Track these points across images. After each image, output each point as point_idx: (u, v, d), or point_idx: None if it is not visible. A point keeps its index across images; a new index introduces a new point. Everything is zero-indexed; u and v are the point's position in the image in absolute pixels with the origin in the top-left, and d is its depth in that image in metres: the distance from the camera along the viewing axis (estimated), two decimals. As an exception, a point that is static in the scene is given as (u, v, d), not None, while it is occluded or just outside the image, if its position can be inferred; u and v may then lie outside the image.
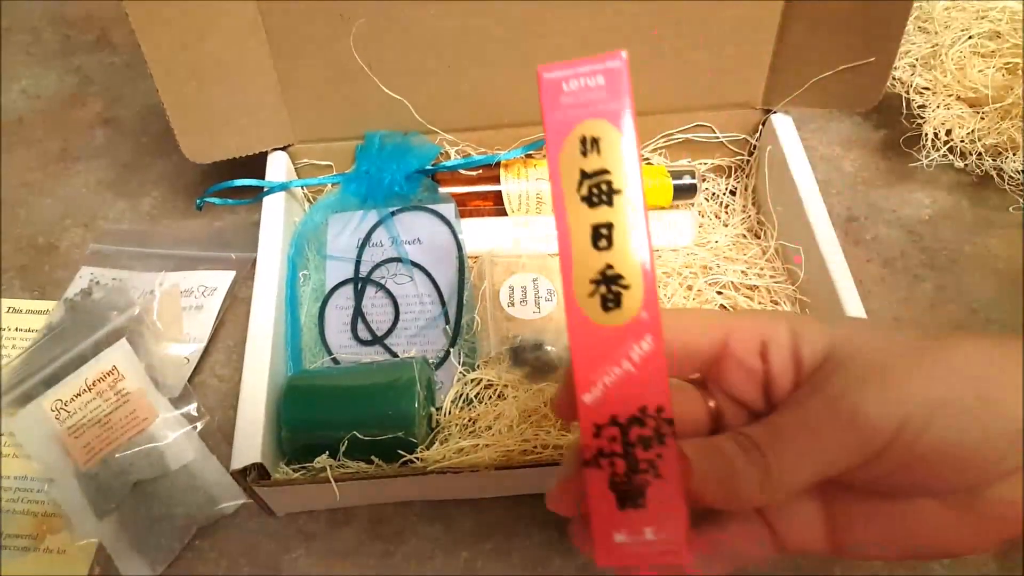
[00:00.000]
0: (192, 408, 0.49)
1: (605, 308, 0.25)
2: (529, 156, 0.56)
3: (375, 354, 0.51)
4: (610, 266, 0.25)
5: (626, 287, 0.25)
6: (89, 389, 0.48)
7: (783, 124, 0.55)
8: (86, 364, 0.49)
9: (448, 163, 0.56)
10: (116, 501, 0.45)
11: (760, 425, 0.27)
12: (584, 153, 0.25)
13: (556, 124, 0.25)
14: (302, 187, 0.58)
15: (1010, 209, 0.59)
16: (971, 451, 0.25)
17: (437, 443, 0.46)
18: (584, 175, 0.25)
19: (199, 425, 0.49)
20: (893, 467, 0.25)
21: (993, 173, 0.58)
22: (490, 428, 0.46)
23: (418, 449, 0.44)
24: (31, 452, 0.47)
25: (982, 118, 0.58)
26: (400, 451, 0.44)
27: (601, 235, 0.25)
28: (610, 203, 0.25)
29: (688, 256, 0.54)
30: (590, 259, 0.25)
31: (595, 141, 0.25)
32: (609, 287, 0.25)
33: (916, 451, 0.25)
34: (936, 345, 0.26)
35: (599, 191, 0.25)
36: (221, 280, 0.56)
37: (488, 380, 0.48)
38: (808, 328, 0.28)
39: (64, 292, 0.56)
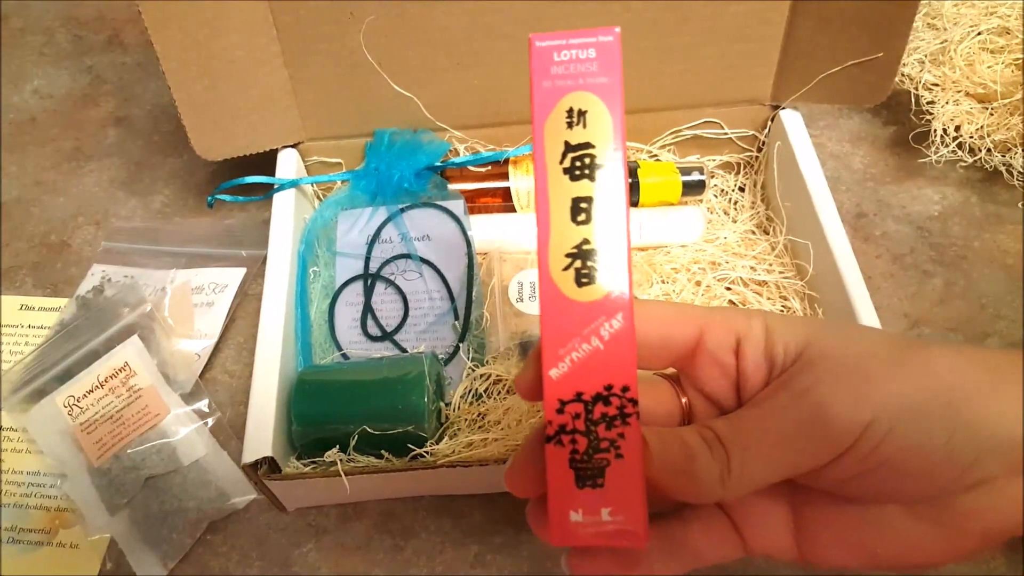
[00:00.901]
0: (203, 404, 0.50)
1: (579, 283, 0.25)
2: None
3: (384, 350, 0.51)
4: (587, 241, 0.25)
5: (601, 263, 0.25)
6: (101, 385, 0.48)
7: (792, 120, 0.55)
8: (98, 360, 0.49)
9: (457, 160, 0.56)
10: (128, 496, 0.46)
11: (725, 419, 0.27)
12: (570, 125, 0.25)
13: (544, 93, 0.25)
14: (312, 184, 0.58)
15: (1019, 205, 0.59)
16: (937, 458, 0.24)
17: (446, 438, 0.46)
18: (568, 147, 0.25)
19: (210, 421, 0.49)
20: (857, 470, 0.25)
21: (1002, 169, 0.58)
22: (499, 423, 0.46)
23: (427, 443, 0.44)
24: (44, 448, 0.48)
25: (991, 114, 0.58)
26: (410, 445, 0.44)
27: (581, 209, 0.25)
28: (592, 178, 0.25)
29: (697, 252, 0.54)
30: (568, 232, 0.25)
31: (582, 113, 0.25)
32: (584, 262, 0.25)
33: (881, 454, 0.24)
34: (909, 351, 0.26)
35: (582, 164, 0.25)
36: (232, 277, 0.57)
37: (497, 375, 0.48)
38: (782, 326, 0.27)
39: (76, 290, 0.57)
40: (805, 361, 0.26)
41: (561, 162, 0.25)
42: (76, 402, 0.48)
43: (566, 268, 0.25)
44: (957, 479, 0.25)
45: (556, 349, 0.25)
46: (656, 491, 0.26)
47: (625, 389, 0.25)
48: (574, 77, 0.25)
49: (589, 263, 0.25)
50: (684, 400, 0.30)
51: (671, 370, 0.31)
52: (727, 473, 0.25)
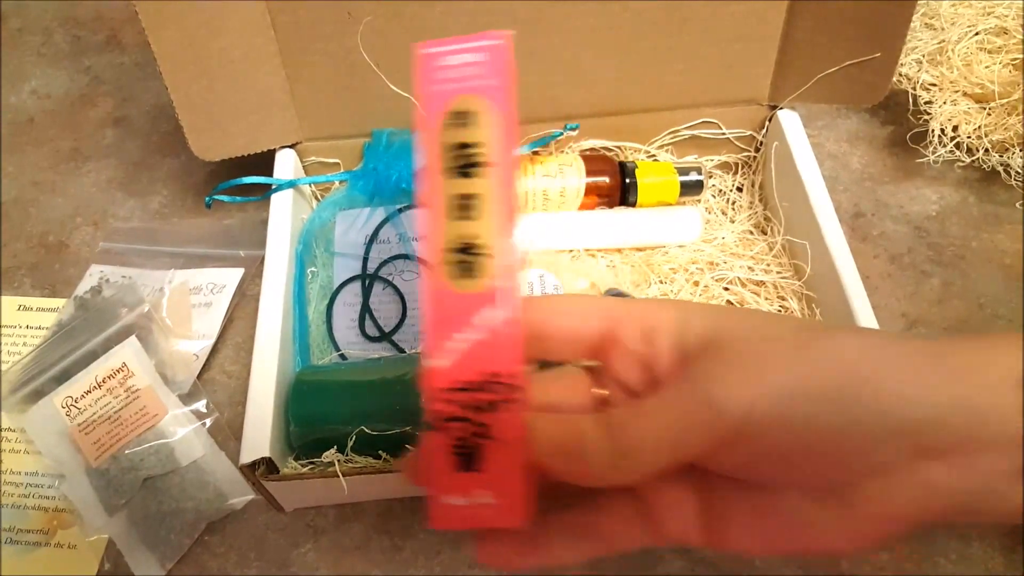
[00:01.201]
0: (201, 405, 0.50)
1: (463, 274, 0.25)
2: (535, 153, 0.56)
3: (383, 350, 0.51)
4: (473, 235, 0.25)
5: (486, 255, 0.25)
6: (99, 386, 0.48)
7: (790, 120, 0.55)
8: (96, 361, 0.49)
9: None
10: (126, 497, 0.46)
11: (626, 405, 0.27)
12: (458, 125, 0.26)
13: (432, 96, 0.26)
14: (310, 184, 0.58)
15: (1017, 205, 0.59)
16: (833, 444, 0.24)
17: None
18: (456, 146, 0.26)
19: (208, 421, 0.49)
20: (751, 456, 0.25)
21: (1000, 169, 0.58)
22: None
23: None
24: (42, 448, 0.48)
25: (989, 114, 0.58)
26: (408, 446, 0.44)
27: (467, 205, 0.25)
28: (479, 175, 0.25)
29: (694, 252, 0.54)
30: (454, 227, 0.25)
31: (470, 115, 0.26)
32: (469, 254, 0.25)
33: (771, 440, 0.24)
34: (813, 335, 0.25)
35: (469, 163, 0.25)
36: (230, 277, 0.57)
37: (495, 376, 0.48)
38: (695, 315, 0.27)
39: (74, 290, 0.57)
40: (707, 348, 0.26)
41: (449, 160, 0.25)
42: (74, 403, 0.48)
43: (450, 261, 0.25)
44: (856, 466, 0.24)
45: (439, 339, 0.25)
46: (547, 475, 0.26)
47: (509, 376, 0.25)
48: (462, 80, 0.26)
49: (473, 255, 0.25)
50: (605, 392, 0.30)
51: (593, 362, 0.31)
52: (619, 456, 0.25)
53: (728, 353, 0.25)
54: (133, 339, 0.50)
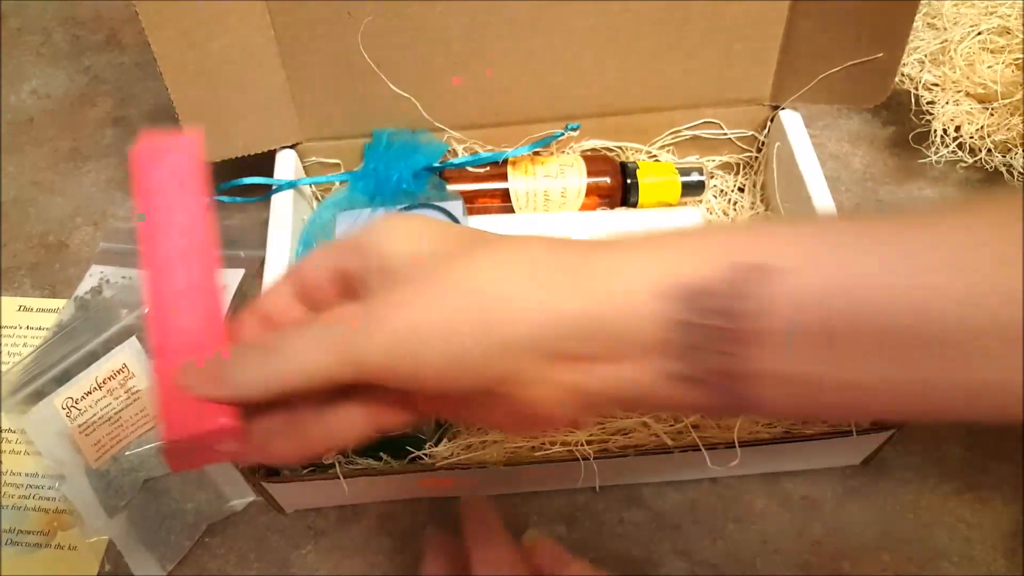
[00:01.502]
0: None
1: None
2: (536, 153, 0.56)
3: (383, 351, 0.51)
4: None
5: None
6: (100, 387, 0.48)
7: (791, 120, 0.55)
8: (96, 363, 0.49)
9: (456, 160, 0.56)
10: (126, 498, 0.46)
11: (292, 324, 0.28)
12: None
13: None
14: (310, 185, 0.58)
15: (1020, 205, 0.59)
16: (460, 370, 0.25)
17: (446, 440, 0.46)
18: None
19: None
20: (393, 385, 0.26)
21: (1002, 169, 0.58)
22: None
23: (426, 446, 0.44)
24: (42, 449, 0.48)
25: (991, 114, 0.58)
26: (409, 448, 0.44)
27: None
28: None
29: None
30: None
31: None
32: None
33: (405, 372, 0.25)
34: (447, 263, 0.26)
35: None
36: (231, 278, 0.57)
37: (496, 377, 0.48)
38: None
39: (75, 291, 0.57)
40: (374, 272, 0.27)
41: None
42: (74, 404, 0.48)
43: None
44: (493, 383, 0.25)
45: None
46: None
47: None
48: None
49: None
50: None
51: None
52: (261, 377, 0.26)
53: (373, 286, 0.26)
54: (133, 340, 0.50)
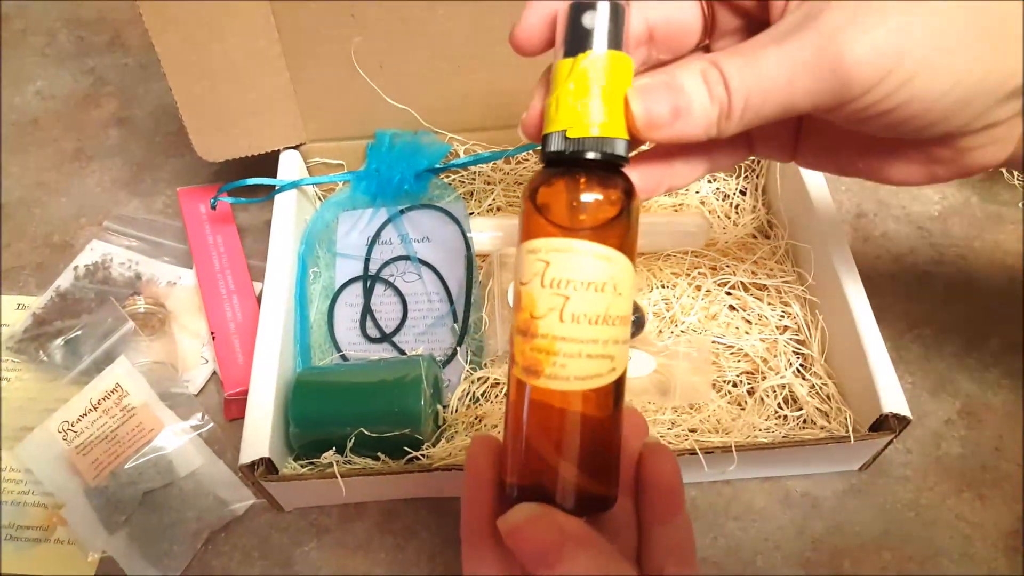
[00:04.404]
0: (197, 416, 0.49)
1: None
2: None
3: (383, 352, 0.51)
4: None
5: None
6: (95, 408, 0.48)
7: (792, 121, 0.55)
8: (89, 384, 0.49)
9: (457, 161, 0.56)
10: (127, 513, 0.46)
11: (739, 56, 0.26)
12: None
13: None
14: (313, 185, 0.58)
15: (1019, 205, 0.59)
16: (949, 106, 0.24)
17: (444, 440, 0.46)
18: None
19: (204, 431, 0.49)
20: (867, 114, 0.25)
21: (1002, 169, 0.58)
22: (496, 426, 0.46)
23: (424, 446, 0.44)
24: (41, 477, 0.47)
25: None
26: (407, 448, 0.44)
27: None
28: None
29: (696, 257, 0.54)
30: None
31: None
32: None
33: (892, 102, 0.24)
34: None
35: None
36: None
37: (495, 379, 0.48)
38: None
39: (73, 260, 0.58)
40: None
41: None
42: (70, 426, 0.48)
43: None
44: (966, 125, 0.25)
45: None
46: (646, 139, 0.27)
47: None
48: None
49: None
50: (706, 10, 0.29)
51: None
52: (725, 117, 0.25)
53: (856, 10, 0.24)
54: (123, 359, 0.50)
